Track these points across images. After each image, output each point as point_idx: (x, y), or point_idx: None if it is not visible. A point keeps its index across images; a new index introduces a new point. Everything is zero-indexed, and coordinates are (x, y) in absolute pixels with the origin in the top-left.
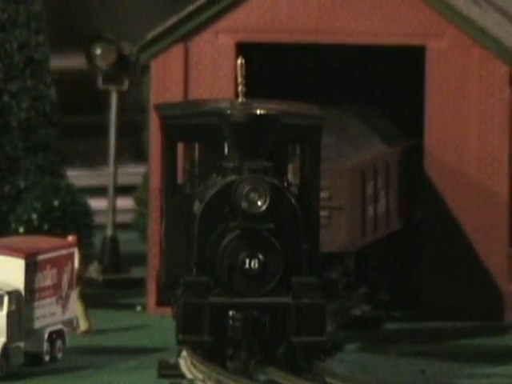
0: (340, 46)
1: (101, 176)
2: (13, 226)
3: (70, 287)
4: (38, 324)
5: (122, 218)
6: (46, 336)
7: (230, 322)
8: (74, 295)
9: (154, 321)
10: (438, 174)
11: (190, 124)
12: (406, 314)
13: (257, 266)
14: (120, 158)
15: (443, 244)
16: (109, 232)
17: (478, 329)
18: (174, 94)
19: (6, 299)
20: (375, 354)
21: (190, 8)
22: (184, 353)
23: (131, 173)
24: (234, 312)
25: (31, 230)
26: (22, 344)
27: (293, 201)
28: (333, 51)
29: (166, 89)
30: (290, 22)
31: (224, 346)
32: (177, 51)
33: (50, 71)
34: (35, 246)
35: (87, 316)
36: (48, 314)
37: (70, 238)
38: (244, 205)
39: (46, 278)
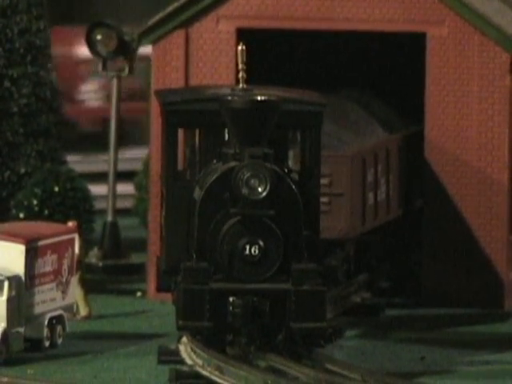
0: (341, 32)
1: (101, 162)
2: (13, 211)
3: (70, 273)
4: (38, 309)
5: (122, 204)
6: (46, 322)
7: (230, 308)
8: (74, 281)
9: (154, 306)
10: (438, 161)
11: (191, 110)
12: (405, 300)
13: (257, 252)
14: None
15: (443, 231)
16: (109, 218)
17: (477, 316)
18: (175, 80)
19: (6, 285)
20: (375, 341)
21: None
22: (184, 339)
23: (131, 158)
24: (234, 298)
25: (31, 216)
26: (22, 329)
27: (293, 187)
28: (333, 38)
29: (167, 75)
30: (290, 8)
31: (224, 332)
32: (177, 37)
33: (50, 57)
34: (35, 231)
35: (87, 302)
36: (48, 300)
37: (71, 224)
38: (244, 191)
39: (47, 264)
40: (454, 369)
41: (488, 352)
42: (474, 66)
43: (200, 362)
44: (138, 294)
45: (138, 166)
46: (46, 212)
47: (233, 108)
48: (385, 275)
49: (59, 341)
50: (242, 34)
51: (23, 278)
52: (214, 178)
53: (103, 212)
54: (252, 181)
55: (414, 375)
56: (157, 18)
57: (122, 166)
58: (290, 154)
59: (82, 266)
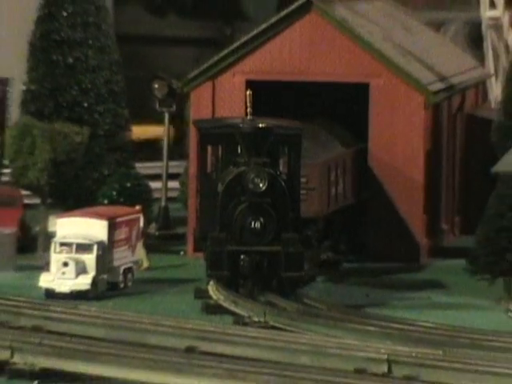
0: (314, 82)
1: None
2: (100, 199)
3: (137, 239)
4: (116, 263)
5: (171, 194)
6: (121, 271)
7: (241, 263)
8: (140, 244)
9: (192, 261)
10: (377, 167)
11: (216, 133)
12: (356, 258)
13: (259, 226)
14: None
15: (381, 213)
16: (162, 203)
17: (403, 268)
18: (205, 114)
19: (95, 247)
20: (336, 284)
21: (215, 58)
22: (211, 282)
23: (177, 165)
24: (244, 256)
25: (112, 202)
26: (105, 276)
27: (283, 184)
28: (310, 85)
29: (200, 110)
30: (281, 66)
31: (237, 278)
32: (207, 86)
33: (125, 98)
34: (114, 212)
35: (148, 258)
36: (122, 257)
37: (137, 207)
38: (250, 186)
39: (121, 233)
40: (388, 302)
41: (409, 291)
42: (401, 105)
43: (222, 297)
44: (181, 253)
45: (181, 170)
46: (122, 200)
47: (243, 132)
48: (343, 241)
49: (129, 284)
50: (250, 84)
51: (106, 242)
52: (230, 177)
53: (159, 200)
54: (256, 179)
55: (362, 306)
56: (193, 73)
57: (171, 170)
58: (281, 162)
59: (144, 234)
